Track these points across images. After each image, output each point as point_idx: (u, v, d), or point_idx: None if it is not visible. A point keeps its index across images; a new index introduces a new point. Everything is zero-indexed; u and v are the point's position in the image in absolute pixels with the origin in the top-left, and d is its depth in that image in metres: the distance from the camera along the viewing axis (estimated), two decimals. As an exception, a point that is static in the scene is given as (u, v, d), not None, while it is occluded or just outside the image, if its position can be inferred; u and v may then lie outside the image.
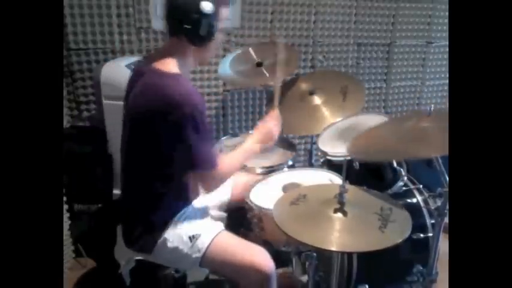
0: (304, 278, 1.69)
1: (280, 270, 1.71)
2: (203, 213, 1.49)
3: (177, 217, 1.38)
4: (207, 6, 1.23)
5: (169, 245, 1.33)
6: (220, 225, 1.42)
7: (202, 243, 1.33)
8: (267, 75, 1.91)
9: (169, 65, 1.29)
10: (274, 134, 1.52)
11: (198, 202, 1.52)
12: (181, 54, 1.32)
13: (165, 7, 1.31)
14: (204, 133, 1.26)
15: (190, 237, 1.33)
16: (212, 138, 1.31)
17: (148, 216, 1.35)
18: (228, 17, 1.35)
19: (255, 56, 1.98)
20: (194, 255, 1.32)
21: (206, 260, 1.33)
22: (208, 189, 1.39)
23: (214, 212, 1.57)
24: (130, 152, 1.36)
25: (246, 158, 1.48)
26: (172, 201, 1.37)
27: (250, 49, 2.01)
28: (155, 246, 1.34)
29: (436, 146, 1.12)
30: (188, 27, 1.25)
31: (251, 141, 1.48)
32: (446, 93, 2.95)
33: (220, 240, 1.34)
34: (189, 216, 1.41)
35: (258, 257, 1.32)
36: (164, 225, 1.35)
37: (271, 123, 1.53)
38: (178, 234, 1.34)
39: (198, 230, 1.35)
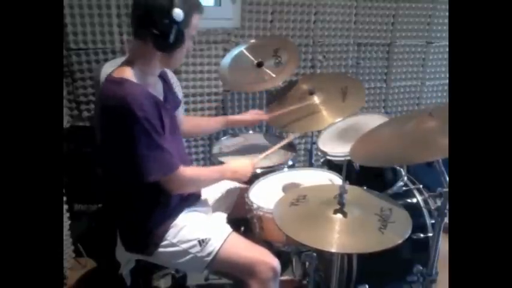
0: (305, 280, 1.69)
1: (286, 277, 1.72)
2: (209, 215, 1.49)
3: (180, 220, 1.38)
4: (178, 14, 1.19)
5: (176, 248, 1.34)
6: (228, 228, 1.42)
7: (213, 247, 1.33)
8: (271, 75, 1.91)
9: (122, 71, 1.26)
10: (245, 175, 1.51)
11: (201, 205, 1.52)
12: (144, 58, 1.28)
13: (133, 9, 1.27)
14: (152, 137, 1.21)
15: (200, 241, 1.33)
16: (167, 141, 1.29)
17: (145, 220, 1.34)
18: (198, 25, 1.31)
19: (251, 57, 1.97)
20: (204, 259, 1.33)
21: (215, 262, 1.34)
22: (172, 191, 1.34)
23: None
24: (107, 157, 1.35)
25: (211, 178, 1.46)
26: (169, 203, 1.36)
27: (244, 50, 2.01)
28: (157, 248, 1.34)
29: (439, 148, 1.11)
30: (156, 33, 1.21)
31: (222, 169, 1.49)
32: (446, 93, 2.95)
33: (229, 243, 1.35)
34: (194, 219, 1.42)
35: (266, 254, 1.35)
36: (164, 228, 1.35)
37: (249, 166, 1.53)
38: (186, 238, 1.34)
39: (207, 234, 1.35)
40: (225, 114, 2.42)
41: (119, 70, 1.27)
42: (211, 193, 1.60)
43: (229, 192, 1.64)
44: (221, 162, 1.74)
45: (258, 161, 1.60)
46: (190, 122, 1.74)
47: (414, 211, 1.50)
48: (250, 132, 2.36)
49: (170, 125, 1.36)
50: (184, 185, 1.35)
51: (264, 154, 1.65)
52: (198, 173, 1.44)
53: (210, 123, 1.85)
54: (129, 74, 1.25)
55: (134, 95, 1.19)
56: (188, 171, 1.34)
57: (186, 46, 1.31)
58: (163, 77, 1.45)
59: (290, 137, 1.80)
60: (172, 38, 1.22)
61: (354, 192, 1.22)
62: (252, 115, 1.88)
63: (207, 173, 1.47)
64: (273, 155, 1.80)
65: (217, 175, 1.47)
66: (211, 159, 2.10)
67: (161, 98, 1.37)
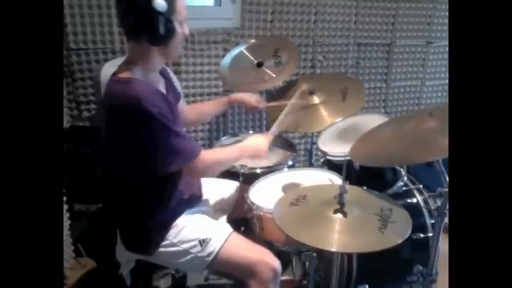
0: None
1: (286, 277, 1.72)
2: (209, 216, 1.49)
3: (181, 220, 1.38)
4: (160, 4, 1.16)
5: (177, 248, 1.34)
6: (229, 228, 1.42)
7: (214, 247, 1.33)
8: (271, 75, 1.90)
9: (125, 69, 1.26)
10: (263, 150, 1.52)
11: (202, 205, 1.52)
12: (143, 57, 1.28)
13: (117, 13, 1.26)
14: (170, 129, 1.22)
15: (200, 241, 1.33)
16: (183, 130, 1.31)
17: (147, 219, 1.34)
18: (186, 5, 1.28)
19: (251, 57, 1.97)
20: (205, 259, 1.33)
21: (216, 262, 1.34)
22: (196, 176, 1.39)
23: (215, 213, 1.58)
24: (114, 157, 1.36)
25: (232, 157, 1.45)
26: (171, 203, 1.36)
27: (244, 50, 2.01)
28: (157, 248, 1.34)
29: (439, 148, 1.11)
30: (145, 30, 1.21)
31: (242, 147, 1.49)
32: (446, 93, 2.95)
33: (230, 243, 1.35)
34: (195, 219, 1.42)
35: (267, 254, 1.35)
36: (165, 227, 1.35)
37: (264, 141, 1.53)
38: (186, 238, 1.34)
39: (208, 234, 1.35)
40: (225, 114, 2.42)
41: (123, 70, 1.27)
42: (211, 193, 1.60)
43: (229, 192, 1.64)
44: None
45: (272, 133, 1.60)
46: (194, 110, 1.76)
47: (414, 211, 1.50)
48: (250, 132, 2.37)
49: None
50: (206, 169, 1.37)
51: (276, 123, 1.64)
52: (218, 155, 1.43)
53: (213, 106, 1.82)
54: (133, 72, 1.25)
55: (144, 93, 1.19)
56: (208, 155, 1.35)
57: (180, 32, 1.28)
58: (163, 74, 1.45)
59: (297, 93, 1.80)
60: (162, 29, 1.20)
61: (354, 192, 1.22)
62: (253, 99, 1.84)
63: (227, 154, 1.46)
64: (273, 155, 1.81)
65: (238, 154, 1.46)
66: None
67: (164, 93, 1.37)
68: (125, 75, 1.25)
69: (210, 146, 2.39)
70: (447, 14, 2.70)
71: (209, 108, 1.81)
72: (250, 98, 1.82)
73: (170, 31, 1.23)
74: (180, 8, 1.26)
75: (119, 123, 1.24)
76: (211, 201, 1.59)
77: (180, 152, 1.25)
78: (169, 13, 1.21)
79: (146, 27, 1.20)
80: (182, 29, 1.29)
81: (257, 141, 1.53)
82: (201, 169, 1.34)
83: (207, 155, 1.33)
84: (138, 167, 1.29)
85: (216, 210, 1.59)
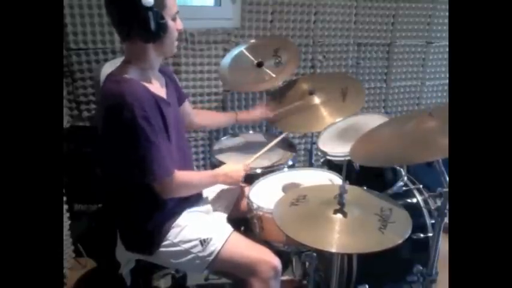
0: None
1: (286, 277, 1.72)
2: (209, 215, 1.49)
3: (182, 220, 1.38)
4: (147, 0, 1.15)
5: (178, 248, 1.34)
6: (229, 227, 1.42)
7: (215, 246, 1.33)
8: (271, 75, 1.90)
9: (122, 70, 1.26)
10: (237, 178, 1.48)
11: (202, 205, 1.52)
12: (140, 56, 1.28)
13: (107, 13, 1.25)
14: (150, 139, 1.20)
15: (201, 241, 1.33)
16: (165, 144, 1.27)
17: (146, 220, 1.34)
18: None
19: (251, 57, 1.98)
20: (206, 259, 1.33)
21: (217, 262, 1.34)
22: (164, 195, 1.31)
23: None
24: (108, 157, 1.35)
25: (203, 183, 1.46)
26: (169, 203, 1.36)
27: (244, 50, 2.01)
28: (158, 248, 1.34)
29: (439, 148, 1.11)
30: (136, 28, 1.20)
31: (215, 173, 1.48)
32: (446, 93, 2.95)
33: (231, 242, 1.35)
34: (196, 219, 1.42)
35: (267, 253, 1.36)
36: (165, 227, 1.35)
37: (240, 169, 1.49)
38: (187, 238, 1.35)
39: (209, 234, 1.35)
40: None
41: (119, 69, 1.27)
42: (211, 193, 1.60)
43: (229, 192, 1.64)
44: (221, 162, 1.74)
45: (249, 164, 1.57)
46: (203, 115, 1.79)
47: (414, 211, 1.50)
48: (251, 132, 2.37)
49: (174, 120, 1.35)
50: (175, 190, 1.33)
51: (255, 156, 1.63)
52: (190, 179, 1.41)
53: (221, 118, 1.88)
54: (129, 72, 1.25)
55: (133, 93, 1.19)
56: (180, 176, 1.32)
57: (173, 28, 1.28)
58: (166, 73, 1.44)
59: (280, 137, 1.79)
60: (153, 26, 1.19)
61: (354, 192, 1.22)
62: (259, 114, 1.88)
63: (199, 178, 1.46)
64: (273, 155, 1.80)
65: (209, 180, 1.46)
66: (211, 159, 2.10)
67: (163, 94, 1.37)
68: (119, 74, 1.25)
69: (210, 146, 2.39)
70: (447, 14, 2.70)
71: (217, 119, 1.87)
72: (255, 116, 1.88)
73: (162, 27, 1.22)
74: (171, 3, 1.25)
75: (110, 123, 1.24)
76: (211, 201, 1.59)
77: (154, 166, 1.23)
78: (159, 8, 1.20)
79: (136, 25, 1.19)
80: (175, 24, 1.29)
81: (231, 169, 1.49)
82: (170, 189, 1.30)
83: (180, 176, 1.30)
84: (129, 169, 1.28)
85: (216, 210, 1.59)
